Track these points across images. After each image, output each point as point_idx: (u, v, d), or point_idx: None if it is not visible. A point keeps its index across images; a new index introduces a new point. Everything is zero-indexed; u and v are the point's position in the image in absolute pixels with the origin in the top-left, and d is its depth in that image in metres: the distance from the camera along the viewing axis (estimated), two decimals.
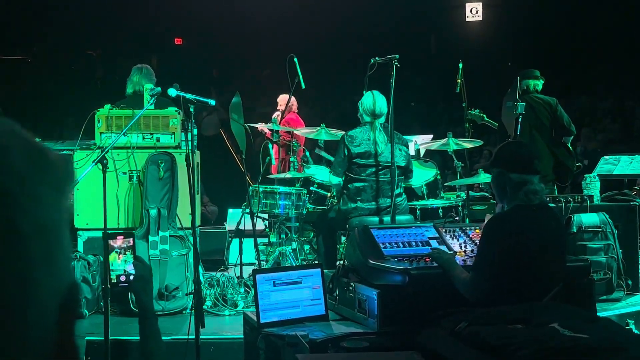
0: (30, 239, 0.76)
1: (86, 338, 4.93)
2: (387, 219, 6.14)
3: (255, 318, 4.14)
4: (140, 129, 6.18)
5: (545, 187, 4.95)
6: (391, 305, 3.91)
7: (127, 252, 2.30)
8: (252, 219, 6.50)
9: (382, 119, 6.37)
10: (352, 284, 4.25)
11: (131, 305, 5.63)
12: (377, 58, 6.31)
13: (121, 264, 2.30)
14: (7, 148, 0.76)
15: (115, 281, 2.31)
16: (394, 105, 6.09)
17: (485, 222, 3.99)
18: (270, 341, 3.93)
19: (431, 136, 8.55)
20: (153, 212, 6.01)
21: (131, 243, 2.32)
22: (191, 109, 4.98)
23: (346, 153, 6.31)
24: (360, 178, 6.33)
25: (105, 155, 5.05)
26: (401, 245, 4.34)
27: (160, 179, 6.07)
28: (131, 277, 2.27)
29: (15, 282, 0.74)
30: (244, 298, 6.13)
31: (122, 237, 2.30)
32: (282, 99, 9.33)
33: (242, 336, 4.61)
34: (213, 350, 5.14)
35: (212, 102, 5.42)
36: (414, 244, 4.38)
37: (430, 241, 4.42)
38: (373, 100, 6.34)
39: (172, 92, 4.98)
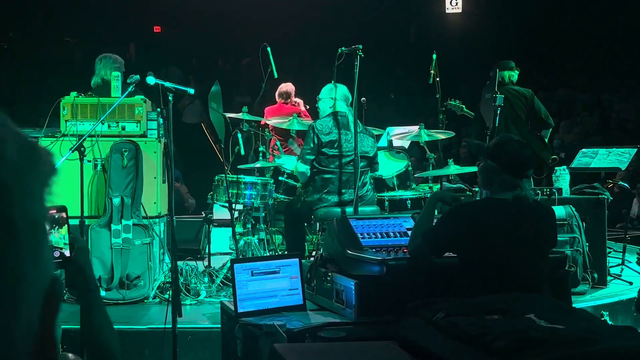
0: (23, 233, 0.75)
1: (62, 327, 4.90)
2: (350, 210, 6.12)
3: (232, 307, 4.13)
4: (106, 117, 6.12)
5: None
6: (369, 295, 3.92)
7: (62, 226, 2.19)
8: (230, 209, 6.47)
9: (345, 108, 6.37)
10: (330, 274, 4.25)
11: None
12: (343, 48, 6.28)
13: (58, 240, 2.19)
14: (1, 140, 0.75)
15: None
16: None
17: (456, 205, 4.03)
18: (247, 331, 3.93)
19: (417, 127, 8.56)
20: (116, 200, 5.95)
21: (64, 216, 2.21)
22: (170, 98, 4.95)
23: (315, 142, 6.30)
24: (328, 170, 6.32)
25: (73, 142, 4.98)
26: (379, 236, 4.35)
27: (124, 168, 6.01)
28: (66, 253, 2.18)
29: (7, 277, 0.74)
30: (207, 287, 6.10)
31: (54, 211, 2.19)
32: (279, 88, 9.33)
33: (219, 325, 4.61)
34: (190, 339, 5.13)
35: (191, 91, 5.39)
36: (392, 234, 4.40)
37: (408, 232, 4.43)
38: (336, 89, 6.37)
39: (151, 80, 4.95)
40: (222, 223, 7.87)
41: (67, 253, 2.15)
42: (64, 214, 2.16)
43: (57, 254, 2.14)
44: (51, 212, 2.13)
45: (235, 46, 18.66)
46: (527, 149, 4.00)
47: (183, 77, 15.95)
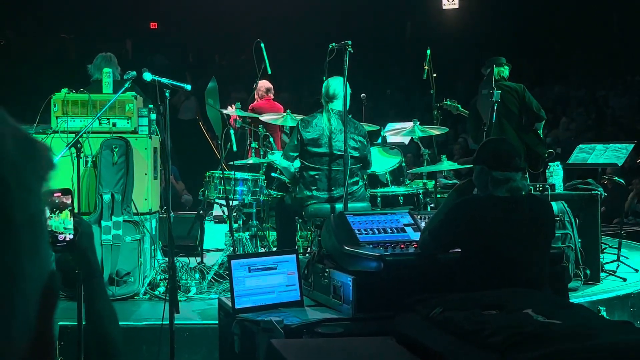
0: (21, 229, 0.75)
1: (59, 323, 4.90)
2: (339, 206, 6.09)
3: (230, 304, 4.14)
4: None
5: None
6: (366, 291, 3.92)
7: (65, 210, 2.14)
8: (227, 205, 6.47)
9: (337, 104, 6.27)
10: (327, 270, 4.25)
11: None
12: (334, 44, 6.24)
13: (58, 224, 2.14)
14: (0, 135, 0.75)
15: (52, 241, 2.11)
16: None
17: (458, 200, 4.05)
18: (245, 327, 3.93)
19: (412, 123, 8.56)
20: (106, 197, 5.94)
21: (69, 200, 2.16)
22: (166, 94, 4.93)
23: (299, 138, 6.26)
24: (316, 167, 6.27)
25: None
26: (376, 232, 4.35)
27: (114, 164, 6.00)
28: (68, 237, 2.14)
29: (5, 272, 0.74)
30: (198, 284, 6.10)
31: (59, 194, 2.14)
32: (262, 84, 9.34)
33: (216, 322, 4.61)
34: (187, 335, 5.14)
35: (188, 87, 5.38)
36: (389, 230, 4.39)
37: (406, 228, 4.44)
38: (327, 83, 6.31)
39: (148, 76, 4.93)
40: (222, 220, 7.85)
41: (70, 237, 2.12)
42: (65, 199, 2.12)
43: (61, 237, 2.10)
44: (55, 194, 2.09)
45: (232, 42, 18.64)
46: (505, 143, 4.18)
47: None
